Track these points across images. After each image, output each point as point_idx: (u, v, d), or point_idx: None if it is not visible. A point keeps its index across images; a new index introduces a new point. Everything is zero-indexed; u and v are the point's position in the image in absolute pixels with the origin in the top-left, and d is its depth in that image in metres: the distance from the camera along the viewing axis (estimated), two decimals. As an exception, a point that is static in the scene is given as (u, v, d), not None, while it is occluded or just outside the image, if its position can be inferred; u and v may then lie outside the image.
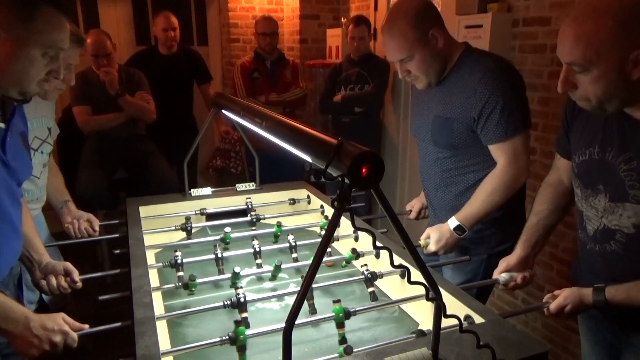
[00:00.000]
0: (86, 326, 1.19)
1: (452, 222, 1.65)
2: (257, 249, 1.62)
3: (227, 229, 1.75)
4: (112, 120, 3.05)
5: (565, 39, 1.13)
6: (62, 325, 1.14)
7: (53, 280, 1.41)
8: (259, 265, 1.61)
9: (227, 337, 1.11)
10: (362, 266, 1.50)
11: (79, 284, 1.44)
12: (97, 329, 1.20)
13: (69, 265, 1.44)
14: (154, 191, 3.08)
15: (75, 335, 1.15)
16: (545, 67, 2.39)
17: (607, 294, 1.21)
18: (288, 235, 1.72)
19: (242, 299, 1.27)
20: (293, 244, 1.69)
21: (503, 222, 1.74)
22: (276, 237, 1.85)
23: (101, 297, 1.35)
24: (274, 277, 1.59)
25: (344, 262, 1.67)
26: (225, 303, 1.27)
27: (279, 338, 0.89)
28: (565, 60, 1.15)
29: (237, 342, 1.12)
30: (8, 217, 1.24)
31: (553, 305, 1.27)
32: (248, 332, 1.15)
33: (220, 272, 1.55)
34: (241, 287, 1.31)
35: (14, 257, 1.30)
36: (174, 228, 1.84)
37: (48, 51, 1.12)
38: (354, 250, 1.63)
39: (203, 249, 1.73)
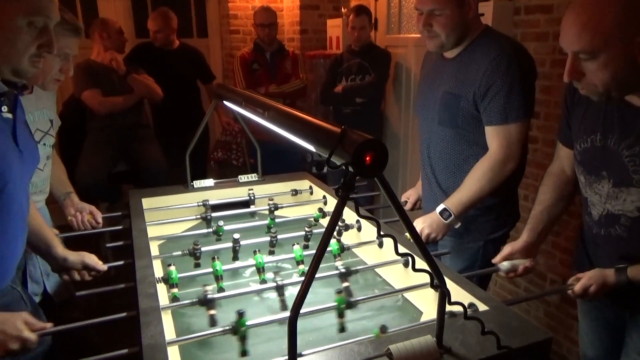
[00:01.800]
0: (49, 325, 1.16)
1: (440, 207, 1.67)
2: (274, 241, 1.63)
3: (220, 222, 1.74)
4: (125, 101, 3.09)
5: (571, 27, 1.12)
6: (21, 332, 1.10)
7: (76, 276, 1.47)
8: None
9: (229, 327, 1.12)
10: (336, 259, 1.50)
11: (103, 268, 1.49)
12: (103, 319, 1.20)
13: (86, 260, 1.48)
14: (142, 174, 3.13)
15: (34, 338, 1.11)
16: (548, 55, 2.38)
17: (629, 274, 1.22)
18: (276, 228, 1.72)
19: (209, 296, 1.27)
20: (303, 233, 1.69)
21: (496, 210, 1.76)
22: (269, 229, 1.82)
23: (79, 293, 1.36)
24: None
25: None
26: (193, 301, 1.27)
27: (282, 328, 0.90)
28: (571, 49, 1.14)
29: (239, 332, 1.13)
30: (21, 212, 1.25)
31: (578, 286, 1.28)
32: (253, 321, 1.16)
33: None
34: (208, 284, 1.33)
35: (22, 251, 1.31)
36: (194, 217, 1.88)
37: (34, 20, 1.05)
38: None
39: (207, 240, 1.73)
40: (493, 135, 1.63)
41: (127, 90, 3.10)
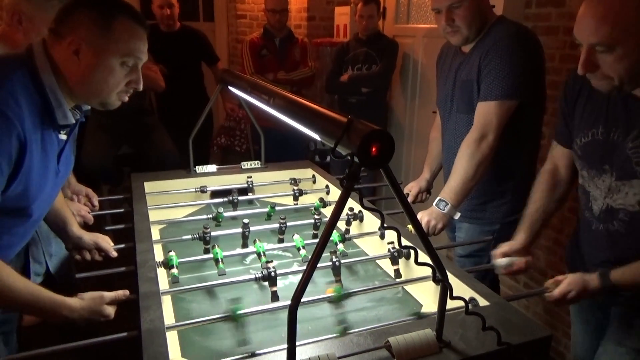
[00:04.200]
0: (127, 292, 1.24)
1: (436, 199, 1.68)
2: (283, 228, 1.64)
3: (220, 209, 1.74)
4: None
5: (589, 19, 1.11)
6: (109, 315, 1.19)
7: (87, 255, 1.51)
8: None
9: (228, 314, 1.13)
10: (388, 243, 1.49)
11: (114, 254, 1.52)
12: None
13: (100, 242, 1.50)
14: (154, 165, 3.10)
15: (112, 313, 1.21)
16: (558, 49, 2.34)
17: (612, 278, 1.21)
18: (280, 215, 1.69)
19: (272, 273, 1.27)
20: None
21: (510, 193, 1.77)
22: (269, 217, 1.83)
23: (79, 275, 1.38)
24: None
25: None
26: (257, 276, 1.27)
27: (283, 315, 0.89)
28: (588, 41, 1.12)
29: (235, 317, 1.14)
30: (38, 221, 1.30)
31: (557, 291, 1.27)
32: (252, 309, 1.15)
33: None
34: (272, 261, 1.31)
35: (20, 249, 1.34)
36: (227, 200, 1.90)
37: (126, 60, 1.17)
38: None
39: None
40: (476, 113, 1.65)
41: None
